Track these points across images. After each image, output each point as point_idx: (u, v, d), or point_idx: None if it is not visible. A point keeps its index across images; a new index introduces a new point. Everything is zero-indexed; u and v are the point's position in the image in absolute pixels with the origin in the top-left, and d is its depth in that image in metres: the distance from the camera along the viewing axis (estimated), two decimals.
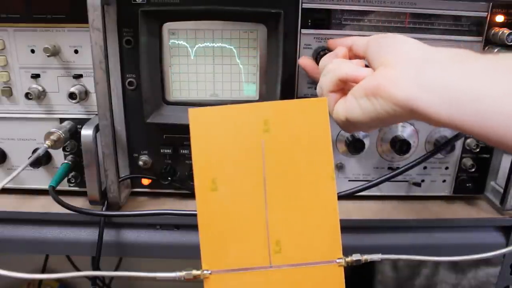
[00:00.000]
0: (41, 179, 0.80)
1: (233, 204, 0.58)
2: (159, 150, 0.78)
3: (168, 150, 0.78)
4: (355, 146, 0.77)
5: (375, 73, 0.53)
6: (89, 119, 0.76)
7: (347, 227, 0.64)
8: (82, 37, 0.72)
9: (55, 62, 0.74)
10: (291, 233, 0.58)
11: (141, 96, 0.73)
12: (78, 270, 1.23)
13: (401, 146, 0.77)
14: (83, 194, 0.76)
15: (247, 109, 0.58)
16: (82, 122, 0.75)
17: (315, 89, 0.75)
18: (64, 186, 0.79)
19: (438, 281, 1.27)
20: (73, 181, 0.79)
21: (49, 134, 0.72)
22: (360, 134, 0.78)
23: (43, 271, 1.33)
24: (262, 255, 0.58)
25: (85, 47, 0.73)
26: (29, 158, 0.71)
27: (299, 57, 0.74)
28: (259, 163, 0.58)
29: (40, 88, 0.75)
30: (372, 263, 1.29)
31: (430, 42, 0.73)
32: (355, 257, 0.60)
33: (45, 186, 0.74)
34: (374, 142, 0.80)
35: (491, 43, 0.74)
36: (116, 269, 1.32)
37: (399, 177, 0.75)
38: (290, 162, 0.58)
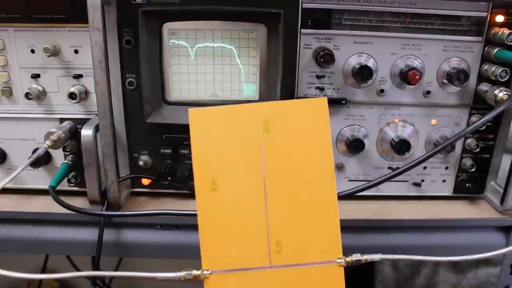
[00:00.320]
0: (41, 179, 0.80)
1: (233, 204, 0.58)
2: (159, 150, 0.78)
3: (168, 150, 0.78)
4: (355, 146, 0.77)
5: None
6: (89, 119, 0.76)
7: (347, 227, 0.64)
8: (82, 37, 0.72)
9: (55, 62, 0.74)
10: (291, 233, 0.58)
11: (141, 96, 0.73)
12: (78, 270, 1.23)
13: (401, 146, 0.77)
14: (83, 194, 0.76)
15: (247, 109, 0.58)
16: (82, 122, 0.75)
17: (315, 89, 0.75)
18: (64, 186, 0.79)
19: (438, 281, 1.27)
20: (73, 181, 0.79)
21: (49, 134, 0.72)
22: (360, 134, 0.78)
23: (43, 271, 1.33)
24: (262, 255, 0.58)
25: (85, 47, 0.73)
26: (29, 158, 0.71)
27: (299, 57, 0.74)
28: (259, 163, 0.58)
29: (40, 88, 0.75)
30: (372, 263, 1.29)
31: (430, 42, 0.74)
32: (355, 257, 0.60)
33: (45, 186, 0.74)
34: (374, 142, 0.80)
35: (491, 43, 0.74)
36: (116, 269, 1.32)
37: (399, 177, 0.75)
38: (290, 162, 0.58)
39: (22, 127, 0.78)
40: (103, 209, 0.74)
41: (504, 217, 0.79)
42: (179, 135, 0.77)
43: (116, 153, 0.72)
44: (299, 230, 0.58)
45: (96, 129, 0.71)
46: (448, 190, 0.84)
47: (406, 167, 0.68)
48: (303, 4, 0.71)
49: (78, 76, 0.75)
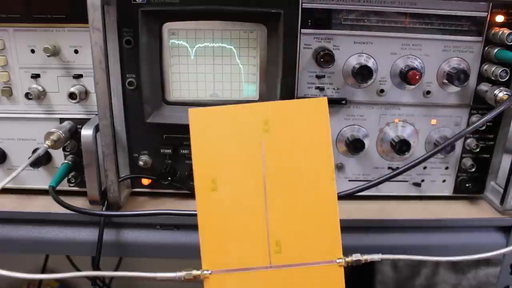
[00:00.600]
0: (41, 179, 0.80)
1: (233, 204, 0.58)
2: (159, 150, 0.78)
3: (168, 150, 0.78)
4: (355, 146, 0.77)
5: None
6: (89, 119, 0.76)
7: (347, 227, 0.64)
8: (82, 37, 0.72)
9: (55, 62, 0.74)
10: (291, 233, 0.58)
11: (141, 96, 0.73)
12: (78, 270, 1.23)
13: (401, 146, 0.77)
14: (83, 194, 0.76)
15: (247, 109, 0.58)
16: (82, 122, 0.75)
17: (315, 89, 0.75)
18: (64, 186, 0.79)
19: (438, 281, 1.27)
20: (73, 181, 0.79)
21: (49, 134, 0.72)
22: (360, 134, 0.78)
23: (43, 271, 1.33)
24: (262, 255, 0.58)
25: (85, 47, 0.73)
26: (29, 158, 0.71)
27: (299, 57, 0.74)
28: (259, 163, 0.58)
29: (40, 88, 0.75)
30: (372, 263, 1.29)
31: (430, 42, 0.74)
32: (355, 257, 0.60)
33: (45, 186, 0.74)
34: (374, 142, 0.80)
35: (491, 43, 0.74)
36: (116, 269, 1.32)
37: (399, 177, 0.75)
38: (290, 162, 0.58)
39: (22, 127, 0.78)
40: (103, 209, 0.74)
41: (504, 217, 0.79)
42: (179, 135, 0.77)
43: (116, 153, 0.72)
44: (299, 230, 0.58)
45: (96, 129, 0.71)
46: (448, 190, 0.84)
47: (406, 167, 0.68)
48: (303, 4, 0.71)
49: (78, 76, 0.75)
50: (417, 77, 0.72)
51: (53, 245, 0.77)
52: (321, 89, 0.76)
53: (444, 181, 0.83)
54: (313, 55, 0.74)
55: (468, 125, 0.79)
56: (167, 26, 0.73)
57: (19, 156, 0.79)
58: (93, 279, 0.87)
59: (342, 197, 0.66)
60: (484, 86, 0.76)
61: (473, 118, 0.79)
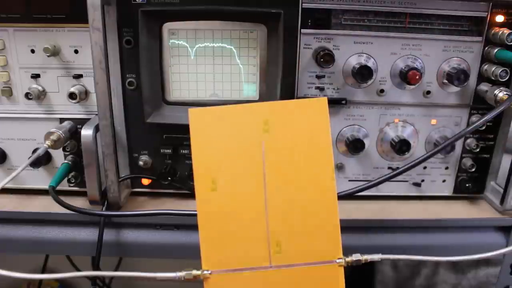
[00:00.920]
0: (41, 179, 0.80)
1: (233, 204, 0.58)
2: (159, 150, 0.78)
3: (168, 150, 0.78)
4: (355, 146, 0.77)
5: None
6: (89, 119, 0.76)
7: (347, 227, 0.64)
8: (82, 37, 0.72)
9: (55, 62, 0.74)
10: (291, 233, 0.58)
11: (141, 96, 0.73)
12: (78, 270, 1.23)
13: (401, 146, 0.77)
14: (83, 194, 0.76)
15: (247, 109, 0.58)
16: (82, 122, 0.75)
17: (315, 89, 0.75)
18: (64, 186, 0.79)
19: (438, 281, 1.27)
20: (73, 181, 0.79)
21: (49, 134, 0.72)
22: (360, 134, 0.78)
23: (43, 271, 1.33)
24: (262, 255, 0.58)
25: (85, 47, 0.73)
26: (29, 158, 0.71)
27: (299, 57, 0.74)
28: (259, 163, 0.58)
29: (40, 88, 0.75)
30: (372, 263, 1.29)
31: (430, 42, 0.74)
32: (355, 257, 0.60)
33: (45, 186, 0.74)
34: (374, 142, 0.80)
35: (491, 43, 0.74)
36: (116, 269, 1.32)
37: (399, 177, 0.75)
38: (290, 162, 0.58)
39: (22, 127, 0.78)
40: (103, 209, 0.74)
41: (504, 217, 0.79)
42: (179, 135, 0.77)
43: (116, 153, 0.72)
44: (299, 230, 0.58)
45: (96, 129, 0.71)
46: (448, 190, 0.84)
47: (406, 167, 0.68)
48: (303, 4, 0.71)
49: (78, 76, 0.75)
50: (417, 77, 0.72)
51: (53, 245, 0.77)
52: (321, 89, 0.76)
53: (444, 181, 0.83)
54: (313, 55, 0.74)
55: (468, 125, 0.79)
56: (167, 26, 0.73)
57: (19, 156, 0.79)
58: (93, 279, 0.87)
59: (342, 197, 0.66)
60: (484, 86, 0.76)
61: (473, 118, 0.79)
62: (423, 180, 0.83)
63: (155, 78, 0.74)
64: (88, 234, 0.77)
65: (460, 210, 0.82)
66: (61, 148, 0.76)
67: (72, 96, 0.73)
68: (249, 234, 0.58)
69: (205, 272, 0.57)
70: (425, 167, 0.82)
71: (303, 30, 0.72)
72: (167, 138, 0.78)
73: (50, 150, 0.77)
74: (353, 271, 0.85)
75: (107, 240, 0.75)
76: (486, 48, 0.74)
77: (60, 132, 0.73)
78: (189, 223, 0.74)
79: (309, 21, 0.72)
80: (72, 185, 0.80)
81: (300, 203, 0.58)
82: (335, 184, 0.58)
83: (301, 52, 0.73)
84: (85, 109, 0.77)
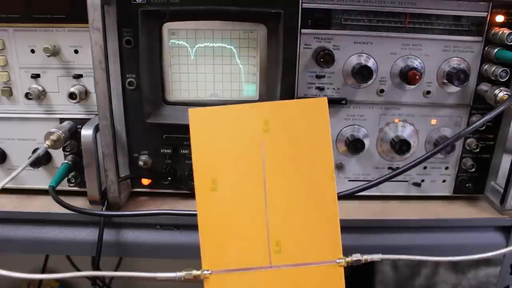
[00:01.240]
0: (41, 179, 0.80)
1: (233, 204, 0.58)
2: (159, 150, 0.78)
3: (168, 150, 0.78)
4: (355, 146, 0.77)
5: None
6: (89, 119, 0.76)
7: (347, 227, 0.64)
8: (82, 37, 0.72)
9: (55, 62, 0.74)
10: (291, 233, 0.58)
11: (141, 96, 0.73)
12: (78, 270, 1.23)
13: (401, 146, 0.77)
14: (83, 194, 0.76)
15: (247, 109, 0.58)
16: (82, 122, 0.75)
17: (315, 89, 0.75)
18: (64, 186, 0.79)
19: (438, 281, 1.27)
20: (73, 181, 0.79)
21: (49, 134, 0.72)
22: (360, 134, 0.78)
23: (43, 271, 1.33)
24: (262, 255, 0.58)
25: (85, 47, 0.73)
26: (29, 158, 0.71)
27: (299, 57, 0.74)
28: (259, 163, 0.58)
29: (40, 88, 0.75)
30: (372, 263, 1.29)
31: (430, 42, 0.74)
32: (355, 257, 0.60)
33: (45, 186, 0.74)
34: (374, 142, 0.80)
35: (491, 43, 0.74)
36: (116, 269, 1.32)
37: (399, 177, 0.75)
38: (290, 162, 0.58)
39: (22, 127, 0.78)
40: (103, 209, 0.74)
41: (504, 217, 0.79)
42: (179, 135, 0.77)
43: (116, 153, 0.72)
44: (299, 230, 0.58)
45: (96, 129, 0.71)
46: (448, 190, 0.84)
47: (406, 167, 0.68)
48: (303, 4, 0.71)
49: (78, 76, 0.75)
50: (417, 77, 0.72)
51: (53, 245, 0.77)
52: (321, 89, 0.76)
53: (444, 181, 0.83)
54: (313, 55, 0.74)
55: (468, 125, 0.79)
56: (167, 26, 0.73)
57: (19, 156, 0.79)
58: (93, 279, 0.87)
59: (342, 197, 0.66)
60: (484, 86, 0.76)
61: (473, 118, 0.79)
62: (423, 180, 0.83)
63: (155, 78, 0.74)
64: (88, 234, 0.77)
65: (460, 210, 0.82)
66: (61, 148, 0.76)
67: (72, 96, 0.73)
68: (249, 234, 0.58)
69: (205, 272, 0.57)
70: (425, 167, 0.82)
71: (303, 30, 0.72)
72: (167, 138, 0.78)
73: (50, 150, 0.77)
74: (353, 271, 0.85)
75: (107, 240, 0.75)
76: (486, 48, 0.74)
77: (60, 132, 0.73)
78: (189, 223, 0.74)
79: (309, 21, 0.72)
80: (72, 185, 0.80)
81: (300, 203, 0.58)
82: (335, 184, 0.58)
83: (301, 52, 0.73)
84: (85, 109, 0.77)
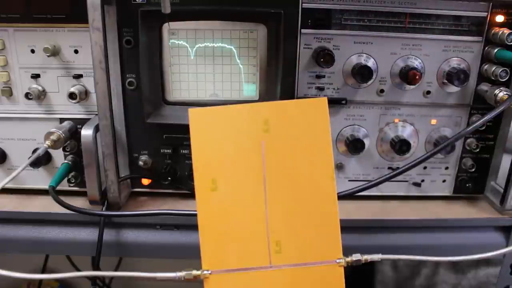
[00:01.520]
0: (41, 179, 0.80)
1: (233, 204, 0.58)
2: (159, 150, 0.78)
3: (168, 150, 0.78)
4: (355, 146, 0.77)
5: None
6: (89, 119, 0.76)
7: (347, 227, 0.64)
8: (82, 37, 0.72)
9: (55, 62, 0.74)
10: (291, 233, 0.58)
11: (141, 96, 0.73)
12: (78, 270, 1.23)
13: (401, 146, 0.77)
14: (83, 194, 0.76)
15: (247, 109, 0.58)
16: (82, 122, 0.75)
17: (315, 89, 0.75)
18: (64, 186, 0.79)
19: (438, 281, 1.27)
20: (73, 181, 0.79)
21: (49, 134, 0.72)
22: (360, 134, 0.78)
23: (43, 271, 1.33)
24: (262, 255, 0.58)
25: (85, 47, 0.73)
26: (29, 158, 0.71)
27: (299, 57, 0.74)
28: (259, 163, 0.58)
29: (40, 88, 0.75)
30: (372, 263, 1.29)
31: (430, 42, 0.74)
32: (355, 257, 0.60)
33: (45, 186, 0.74)
34: (374, 142, 0.80)
35: (491, 43, 0.74)
36: (116, 269, 1.32)
37: (399, 177, 0.75)
38: (290, 162, 0.58)
39: (22, 127, 0.78)
40: (103, 209, 0.74)
41: (504, 217, 0.79)
42: (179, 135, 0.77)
43: (116, 153, 0.72)
44: (299, 230, 0.58)
45: (96, 129, 0.71)
46: (448, 190, 0.84)
47: (406, 167, 0.68)
48: (303, 4, 0.71)
49: (78, 76, 0.75)
50: (417, 77, 0.72)
51: (53, 245, 0.77)
52: (321, 89, 0.76)
53: (444, 181, 0.83)
54: (313, 55, 0.74)
55: (468, 125, 0.79)
56: (167, 26, 0.73)
57: (19, 156, 0.79)
58: (93, 279, 0.87)
59: (342, 197, 0.66)
60: (484, 86, 0.76)
61: (473, 118, 0.79)
62: (423, 180, 0.83)
63: (155, 78, 0.74)
64: (88, 234, 0.77)
65: (460, 210, 0.82)
66: (61, 148, 0.76)
67: (72, 96, 0.73)
68: (249, 234, 0.58)
69: (205, 272, 0.57)
70: (425, 167, 0.82)
71: (303, 30, 0.72)
72: (167, 138, 0.78)
73: (50, 150, 0.77)
74: (353, 271, 0.86)
75: (107, 240, 0.75)
76: (486, 48, 0.74)
77: (60, 132, 0.73)
78: (189, 223, 0.74)
79: (309, 21, 0.72)
80: (72, 185, 0.80)
81: (300, 203, 0.58)
82: (335, 184, 0.58)
83: (301, 52, 0.73)
84: (85, 109, 0.77)
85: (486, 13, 0.73)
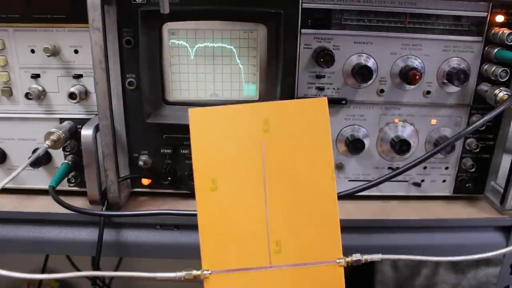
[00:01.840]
0: (41, 179, 0.80)
1: (233, 204, 0.58)
2: (159, 150, 0.78)
3: (168, 150, 0.78)
4: (355, 146, 0.77)
5: None
6: (89, 119, 0.76)
7: (347, 227, 0.64)
8: (82, 37, 0.72)
9: (55, 62, 0.74)
10: (291, 233, 0.58)
11: (141, 96, 0.73)
12: (78, 270, 1.23)
13: (401, 146, 0.77)
14: (83, 194, 0.76)
15: (247, 109, 0.58)
16: (82, 122, 0.75)
17: (315, 89, 0.75)
18: (64, 186, 0.79)
19: (438, 281, 1.27)
20: (73, 181, 0.79)
21: (49, 134, 0.72)
22: (360, 134, 0.78)
23: (43, 271, 1.33)
24: (262, 255, 0.58)
25: (85, 47, 0.73)
26: (29, 158, 0.71)
27: (299, 57, 0.74)
28: (259, 163, 0.58)
29: (40, 88, 0.75)
30: (372, 263, 1.29)
31: (430, 42, 0.74)
32: (355, 257, 0.60)
33: (45, 186, 0.74)
34: (374, 142, 0.80)
35: (491, 43, 0.74)
36: (116, 269, 1.32)
37: (399, 177, 0.75)
38: (290, 162, 0.58)
39: (22, 127, 0.78)
40: (103, 209, 0.74)
41: (504, 217, 0.79)
42: (179, 135, 0.77)
43: (116, 153, 0.72)
44: (299, 230, 0.58)
45: (96, 129, 0.71)
46: (448, 190, 0.84)
47: (406, 167, 0.68)
48: (303, 4, 0.71)
49: (78, 76, 0.75)
50: (417, 77, 0.72)
51: (53, 245, 0.77)
52: (321, 89, 0.76)
53: (444, 181, 0.83)
54: (313, 55, 0.74)
55: (468, 125, 0.79)
56: (167, 26, 0.73)
57: (19, 156, 0.79)
58: (93, 279, 0.87)
59: (342, 197, 0.66)
60: (484, 86, 0.76)
61: (473, 118, 0.79)
62: (423, 180, 0.83)
63: (155, 78, 0.74)
64: (88, 234, 0.77)
65: (460, 210, 0.82)
66: (61, 148, 0.76)
67: (72, 96, 0.73)
68: (249, 234, 0.58)
69: (205, 272, 0.57)
70: (425, 167, 0.82)
71: (303, 30, 0.72)
72: (167, 138, 0.78)
73: (50, 150, 0.77)
74: (353, 271, 0.86)
75: (107, 240, 0.75)
76: (486, 48, 0.74)
77: (60, 132, 0.73)
78: (189, 223, 0.74)
79: (309, 21, 0.72)
80: (72, 185, 0.80)
81: (300, 203, 0.58)
82: (335, 184, 0.58)
83: (301, 52, 0.73)
84: (85, 109, 0.77)
85: (486, 13, 0.73)
